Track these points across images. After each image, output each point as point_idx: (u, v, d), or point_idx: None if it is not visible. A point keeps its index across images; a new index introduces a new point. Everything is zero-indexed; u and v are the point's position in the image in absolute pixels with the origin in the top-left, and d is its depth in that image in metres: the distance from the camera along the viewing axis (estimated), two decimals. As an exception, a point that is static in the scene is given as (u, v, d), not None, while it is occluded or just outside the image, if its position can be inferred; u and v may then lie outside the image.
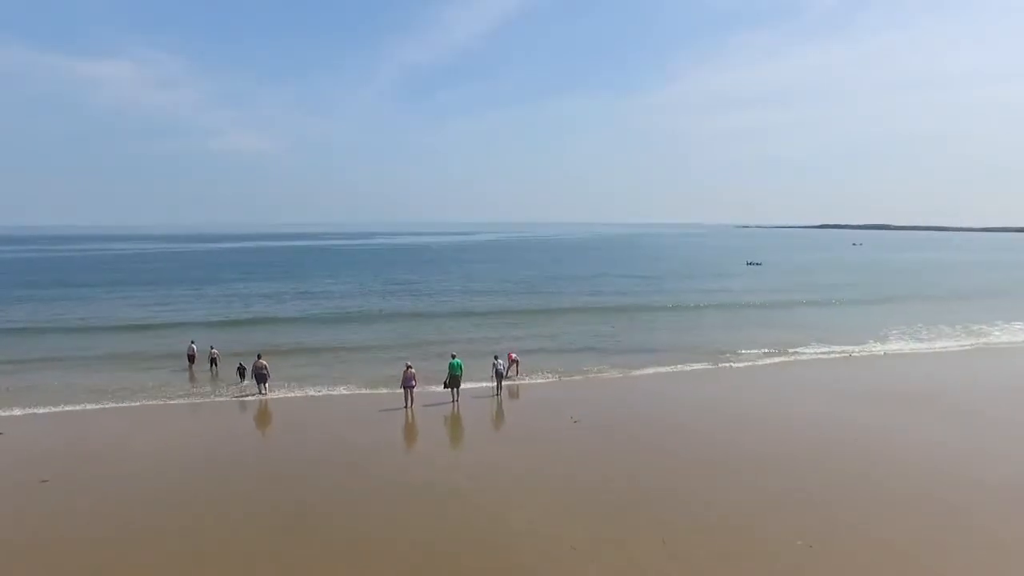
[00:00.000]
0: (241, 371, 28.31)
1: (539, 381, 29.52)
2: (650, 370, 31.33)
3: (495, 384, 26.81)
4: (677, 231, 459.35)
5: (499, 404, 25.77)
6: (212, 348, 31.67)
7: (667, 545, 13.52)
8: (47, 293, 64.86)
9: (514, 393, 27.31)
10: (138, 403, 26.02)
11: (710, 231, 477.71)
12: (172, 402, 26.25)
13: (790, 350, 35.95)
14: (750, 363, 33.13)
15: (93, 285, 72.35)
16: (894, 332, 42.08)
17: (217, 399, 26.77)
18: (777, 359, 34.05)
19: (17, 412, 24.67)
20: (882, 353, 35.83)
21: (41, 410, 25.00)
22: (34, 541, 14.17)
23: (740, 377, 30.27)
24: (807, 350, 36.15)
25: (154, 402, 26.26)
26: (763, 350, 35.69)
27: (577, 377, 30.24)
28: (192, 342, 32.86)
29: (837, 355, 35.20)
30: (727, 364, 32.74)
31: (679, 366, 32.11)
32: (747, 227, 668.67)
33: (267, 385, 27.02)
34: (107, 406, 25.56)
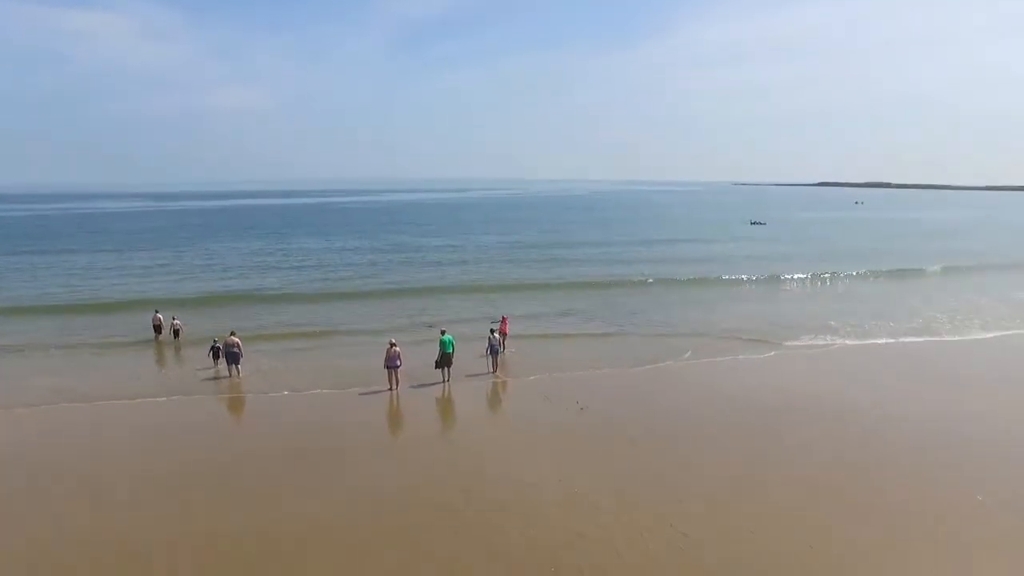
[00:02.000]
0: (215, 352, 24.78)
1: (540, 360, 26.34)
2: (688, 359, 26.23)
3: (490, 360, 24.00)
4: (676, 189, 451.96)
5: (495, 386, 22.97)
6: (174, 319, 30.31)
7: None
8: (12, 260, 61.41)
9: (512, 374, 24.29)
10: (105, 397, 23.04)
11: (707, 189, 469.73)
12: (135, 400, 22.38)
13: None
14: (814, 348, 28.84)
15: (60, 252, 66.69)
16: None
17: (184, 392, 23.12)
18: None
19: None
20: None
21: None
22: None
23: (786, 363, 26.49)
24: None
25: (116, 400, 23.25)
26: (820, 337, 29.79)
27: (586, 368, 25.13)
28: (156, 311, 30.90)
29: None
30: (774, 351, 27.56)
31: (743, 355, 26.65)
32: (744, 185, 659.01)
33: (239, 367, 23.98)
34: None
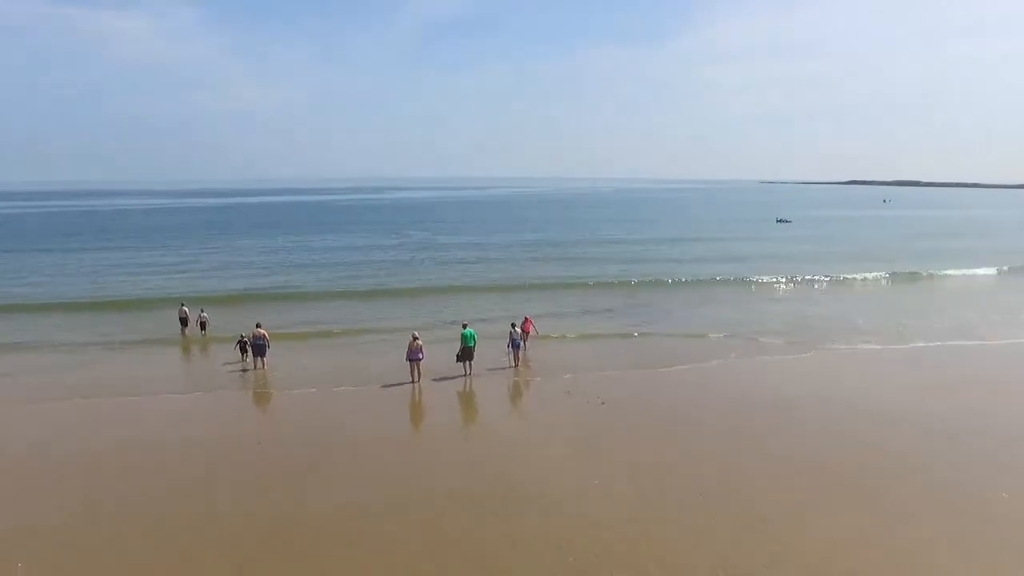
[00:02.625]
0: (243, 347, 25.19)
1: (562, 358, 26.38)
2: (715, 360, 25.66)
3: (510, 355, 24.13)
4: (701, 187, 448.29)
5: (516, 380, 23.14)
6: (202, 311, 30.54)
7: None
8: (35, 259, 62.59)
9: (535, 370, 24.43)
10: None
11: (732, 187, 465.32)
12: (160, 395, 23.35)
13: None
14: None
15: (87, 249, 68.63)
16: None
17: (210, 386, 23.81)
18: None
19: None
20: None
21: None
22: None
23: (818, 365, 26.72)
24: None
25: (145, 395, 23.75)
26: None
27: (612, 368, 24.55)
28: (182, 304, 31.60)
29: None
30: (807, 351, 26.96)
31: (770, 356, 26.02)
32: (772, 183, 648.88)
33: (265, 360, 24.38)
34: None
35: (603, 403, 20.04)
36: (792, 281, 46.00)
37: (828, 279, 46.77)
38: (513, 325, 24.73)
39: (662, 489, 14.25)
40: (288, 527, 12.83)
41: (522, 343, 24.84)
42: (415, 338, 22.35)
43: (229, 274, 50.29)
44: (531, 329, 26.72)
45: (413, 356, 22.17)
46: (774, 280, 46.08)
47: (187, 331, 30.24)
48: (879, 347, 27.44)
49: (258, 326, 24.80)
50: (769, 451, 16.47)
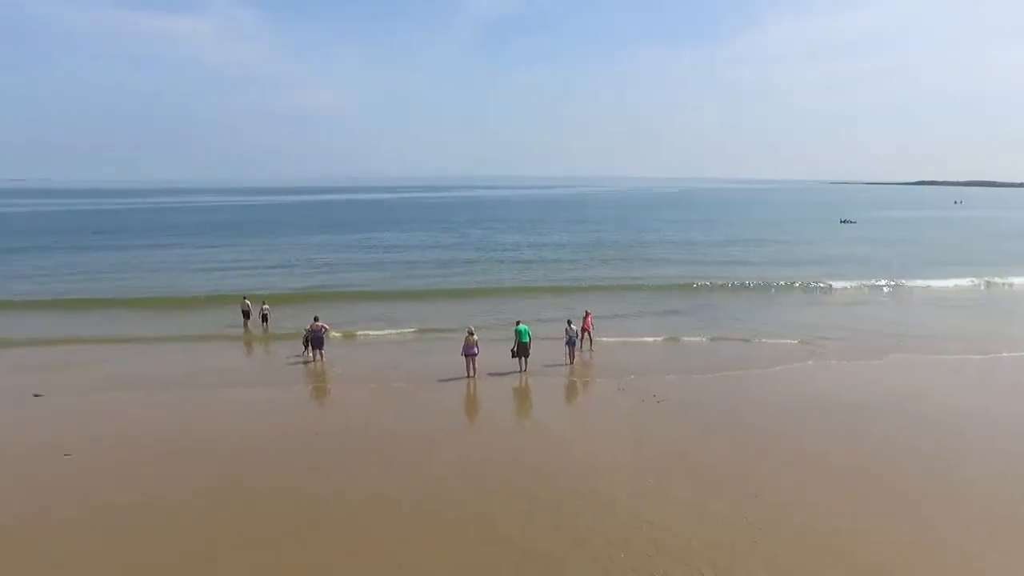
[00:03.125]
0: (307, 341, 25.85)
1: (620, 358, 26.24)
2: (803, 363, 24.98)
3: (567, 352, 24.09)
4: (762, 187, 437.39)
5: (571, 377, 23.20)
6: (264, 304, 31.54)
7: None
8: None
9: (592, 368, 24.39)
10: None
11: (796, 187, 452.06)
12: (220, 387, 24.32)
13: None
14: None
15: (153, 246, 72.12)
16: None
17: (271, 379, 24.72)
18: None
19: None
20: None
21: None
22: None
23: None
24: None
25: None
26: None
27: (673, 369, 23.86)
28: (244, 298, 32.59)
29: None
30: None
31: (855, 360, 24.77)
32: (837, 183, 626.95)
33: (323, 352, 25.00)
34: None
35: (660, 401, 19.85)
36: (859, 285, 43.85)
37: (896, 283, 44.42)
38: (569, 322, 24.61)
39: (718, 490, 14.05)
40: (338, 517, 13.15)
41: (578, 341, 24.75)
42: (471, 333, 22.59)
43: (291, 272, 51.66)
44: (590, 325, 26.36)
45: (469, 351, 22.42)
46: (839, 284, 43.89)
47: (249, 324, 31.17)
48: (957, 357, 25.72)
49: (316, 319, 25.44)
50: (831, 458, 16.00)
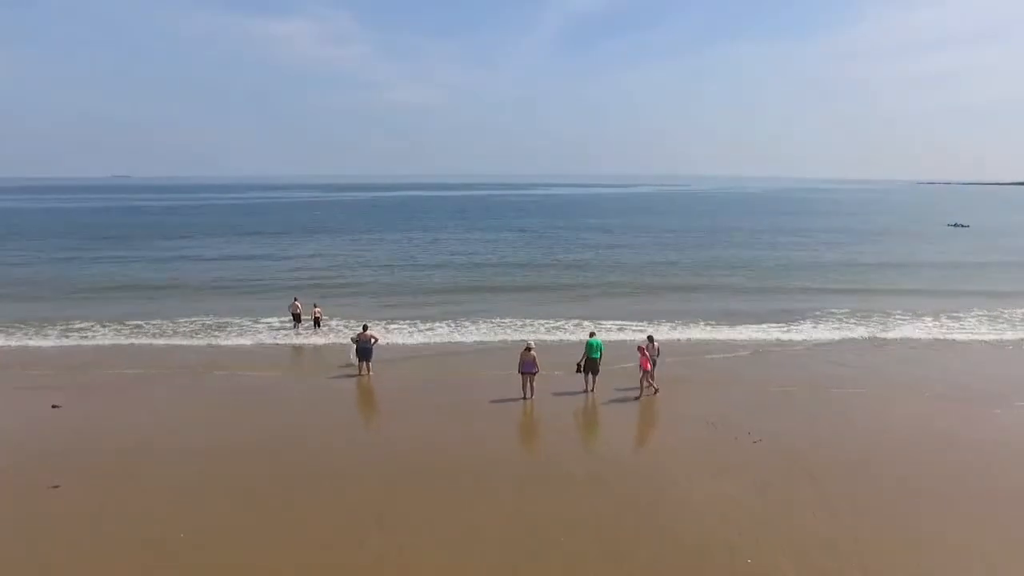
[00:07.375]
0: (358, 352, 23.16)
1: (708, 372, 22.79)
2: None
3: (641, 374, 20.54)
4: (853, 188, 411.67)
5: (648, 401, 19.64)
6: (315, 307, 29.34)
7: None
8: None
9: (672, 389, 20.44)
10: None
11: (884, 188, 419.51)
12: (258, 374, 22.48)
13: None
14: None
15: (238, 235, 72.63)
16: None
17: (315, 395, 22.28)
18: None
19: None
20: None
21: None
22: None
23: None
24: None
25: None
26: None
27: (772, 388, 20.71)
28: (295, 298, 30.11)
29: None
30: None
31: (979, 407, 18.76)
32: (928, 183, 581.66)
33: (371, 364, 22.40)
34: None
35: (756, 441, 16.16)
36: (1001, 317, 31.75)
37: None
38: (650, 339, 20.96)
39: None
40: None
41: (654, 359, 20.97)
42: (528, 349, 19.45)
43: (358, 266, 50.41)
44: (647, 364, 20.05)
45: (527, 369, 19.33)
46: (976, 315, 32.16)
47: (299, 327, 28.70)
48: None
49: (365, 328, 22.92)
50: (942, 500, 12.40)
